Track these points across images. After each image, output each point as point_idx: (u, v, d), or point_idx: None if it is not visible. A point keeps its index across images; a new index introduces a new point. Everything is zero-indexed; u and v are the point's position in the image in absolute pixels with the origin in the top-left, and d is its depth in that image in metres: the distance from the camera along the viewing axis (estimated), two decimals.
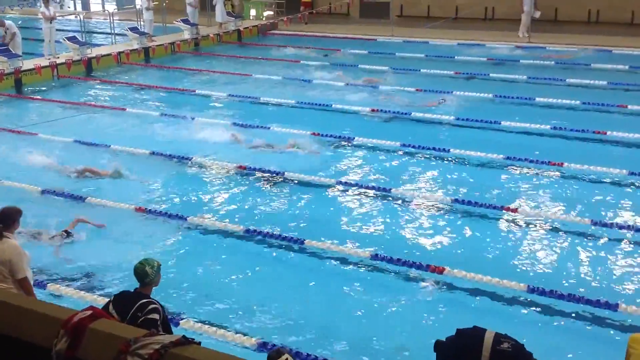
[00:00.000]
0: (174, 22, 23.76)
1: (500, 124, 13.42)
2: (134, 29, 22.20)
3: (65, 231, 8.75)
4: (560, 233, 8.82)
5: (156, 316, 4.85)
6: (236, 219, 9.29)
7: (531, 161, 11.21)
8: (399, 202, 9.89)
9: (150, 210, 9.48)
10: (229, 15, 25.41)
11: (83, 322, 4.28)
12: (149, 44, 21.77)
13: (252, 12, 28.35)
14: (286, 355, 3.61)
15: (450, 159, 11.62)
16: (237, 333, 6.53)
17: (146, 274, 5.14)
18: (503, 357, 2.79)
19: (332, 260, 8.16)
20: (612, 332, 6.59)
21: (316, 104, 15.33)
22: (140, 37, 21.66)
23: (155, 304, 4.95)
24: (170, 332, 4.87)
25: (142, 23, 23.54)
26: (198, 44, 23.21)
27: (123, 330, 4.29)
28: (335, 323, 6.92)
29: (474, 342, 2.86)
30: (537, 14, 21.92)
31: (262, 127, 13.63)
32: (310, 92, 16.63)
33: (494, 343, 2.83)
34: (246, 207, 9.81)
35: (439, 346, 2.98)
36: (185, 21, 23.52)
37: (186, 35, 23.18)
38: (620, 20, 23.61)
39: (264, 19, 27.96)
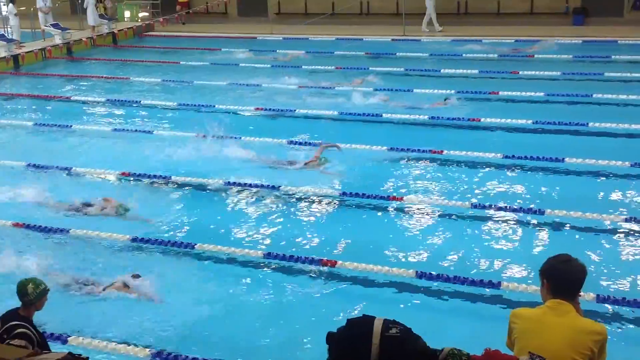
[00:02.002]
0: (43, 27, 22.70)
1: (381, 115, 13.76)
2: (0, 37, 21.05)
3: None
4: (444, 218, 9.14)
5: (22, 342, 4.56)
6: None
7: (413, 150, 11.54)
8: (289, 198, 9.91)
9: None
10: (101, 17, 24.53)
11: None
12: (17, 51, 20.70)
13: (127, 13, 27.51)
14: None
15: (337, 153, 11.74)
16: (129, 345, 6.32)
17: (26, 292, 4.89)
18: (392, 343, 2.84)
19: (224, 262, 8.07)
20: (496, 309, 6.89)
21: (199, 105, 15.11)
22: (7, 45, 20.57)
23: (25, 328, 4.67)
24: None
25: (9, 30, 22.36)
26: (70, 49, 22.29)
27: (2, 352, 4.04)
28: (228, 322, 6.84)
29: (363, 331, 2.89)
30: None
31: (145, 131, 13.28)
32: (192, 93, 16.39)
33: (383, 329, 2.88)
34: (147, 211, 9.51)
35: (330, 337, 2.99)
36: (56, 26, 22.53)
37: (57, 40, 22.21)
38: (487, 11, 24.83)
39: (139, 20, 27.21)
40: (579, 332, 3.83)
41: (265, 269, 7.90)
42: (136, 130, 13.34)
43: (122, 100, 15.93)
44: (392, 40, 22.03)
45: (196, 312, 6.96)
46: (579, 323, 3.89)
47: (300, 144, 12.15)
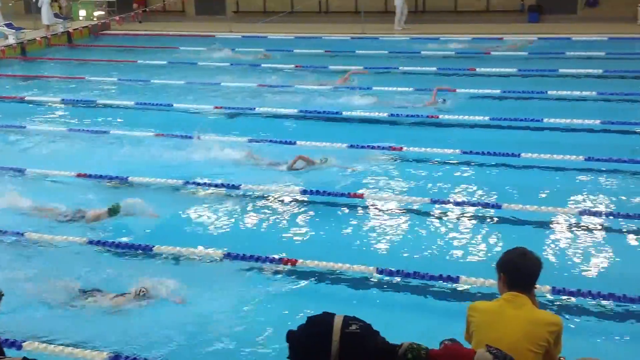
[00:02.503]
0: None
1: (341, 113, 13.79)
2: None
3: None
4: (404, 214, 9.20)
5: None
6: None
7: (372, 147, 11.58)
8: (249, 197, 9.86)
9: None
10: (56, 17, 24.09)
11: None
12: None
13: (82, 12, 27.08)
14: None
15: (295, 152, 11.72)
16: (86, 349, 6.21)
17: None
18: (352, 339, 2.83)
19: (187, 264, 8.01)
20: (455, 303, 6.95)
21: (157, 105, 14.94)
22: None
23: None
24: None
25: None
26: (25, 48, 21.82)
27: None
28: (189, 325, 6.78)
29: (323, 328, 2.88)
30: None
31: (102, 132, 13.07)
32: (149, 92, 16.20)
33: (343, 326, 2.87)
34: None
35: (290, 336, 2.98)
36: (9, 25, 22.06)
37: (11, 40, 21.74)
38: (444, 9, 25.11)
39: (94, 19, 26.79)
40: (535, 323, 3.90)
41: (225, 268, 7.85)
42: (92, 131, 13.11)
43: (77, 100, 15.66)
44: (352, 38, 22.09)
45: (156, 313, 6.88)
46: (535, 315, 3.96)
47: (259, 141, 12.11)
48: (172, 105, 14.78)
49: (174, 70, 18.32)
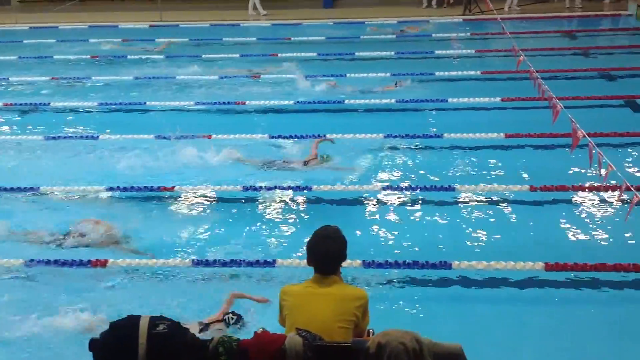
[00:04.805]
0: None
1: (145, 104, 13.38)
2: None
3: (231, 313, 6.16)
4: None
5: None
6: None
7: (184, 137, 11.30)
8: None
9: None
10: None
11: None
12: None
13: None
14: None
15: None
16: None
17: None
18: (159, 340, 2.76)
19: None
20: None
21: None
22: None
23: None
24: None
25: None
26: None
27: None
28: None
29: (128, 332, 2.78)
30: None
31: None
32: None
33: (150, 327, 2.79)
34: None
35: (94, 344, 2.83)
36: None
37: None
38: None
39: None
40: (342, 300, 4.04)
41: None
42: None
43: None
44: (150, 26, 21.44)
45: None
46: (342, 291, 4.10)
47: (55, 138, 11.43)
48: None
49: None
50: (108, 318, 5.75)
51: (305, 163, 10.05)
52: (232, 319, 6.01)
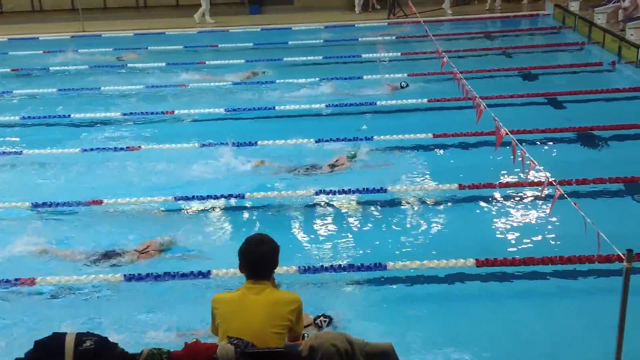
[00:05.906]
0: None
1: (70, 116, 13.05)
2: None
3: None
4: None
5: None
6: None
7: (107, 149, 11.13)
8: None
9: None
10: None
11: None
12: None
13: None
14: None
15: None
16: None
17: None
18: (87, 357, 2.67)
19: None
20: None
21: None
22: None
23: None
24: None
25: None
26: None
27: None
28: None
29: (54, 351, 2.68)
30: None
31: None
32: None
33: (76, 344, 2.71)
34: None
35: None
36: None
37: None
38: (166, 3, 24.92)
39: None
40: (275, 305, 4.01)
41: None
42: None
43: None
44: (72, 37, 20.89)
45: None
46: (274, 296, 4.07)
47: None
48: None
49: None
50: None
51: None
52: (324, 321, 5.91)
